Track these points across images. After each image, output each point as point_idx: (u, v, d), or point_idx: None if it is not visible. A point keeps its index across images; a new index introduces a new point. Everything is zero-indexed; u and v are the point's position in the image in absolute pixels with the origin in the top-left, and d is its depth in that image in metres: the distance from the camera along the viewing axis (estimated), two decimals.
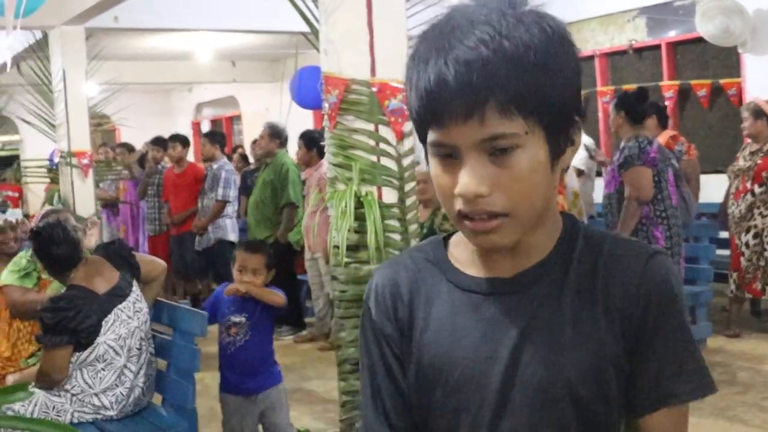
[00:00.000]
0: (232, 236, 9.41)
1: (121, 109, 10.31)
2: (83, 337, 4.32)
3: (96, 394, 4.41)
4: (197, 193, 9.60)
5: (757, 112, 7.30)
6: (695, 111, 10.43)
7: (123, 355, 4.45)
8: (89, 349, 4.36)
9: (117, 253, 4.68)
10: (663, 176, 6.24)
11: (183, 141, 10.07)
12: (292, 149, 9.46)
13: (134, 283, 4.61)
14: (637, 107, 6.36)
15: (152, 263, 4.97)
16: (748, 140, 7.49)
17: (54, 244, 4.49)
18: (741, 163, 7.35)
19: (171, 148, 9.88)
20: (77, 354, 4.36)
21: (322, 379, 6.96)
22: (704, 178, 8.51)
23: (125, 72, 13.22)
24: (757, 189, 7.22)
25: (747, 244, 7.28)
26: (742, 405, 5.66)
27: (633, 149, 6.17)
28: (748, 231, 7.28)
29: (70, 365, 4.36)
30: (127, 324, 4.45)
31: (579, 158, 7.34)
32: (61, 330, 4.28)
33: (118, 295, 4.47)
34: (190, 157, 10.19)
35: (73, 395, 4.39)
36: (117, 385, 4.45)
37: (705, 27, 8.14)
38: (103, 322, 4.37)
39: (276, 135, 8.68)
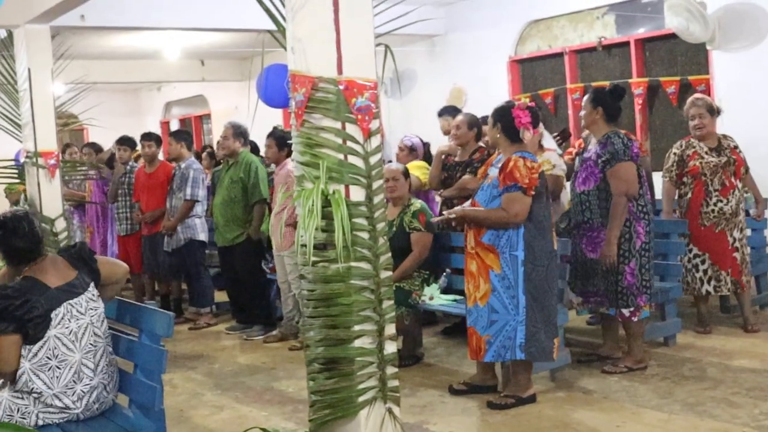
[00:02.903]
0: (202, 236, 9.36)
1: (88, 108, 10.21)
2: (31, 327, 4.32)
3: (56, 395, 4.38)
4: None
5: (712, 109, 7.32)
6: (664, 107, 10.48)
7: (76, 351, 4.43)
8: (40, 343, 4.35)
9: (78, 255, 4.65)
10: (640, 172, 6.34)
11: (157, 139, 10.01)
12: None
13: (91, 284, 4.58)
14: (613, 104, 6.44)
15: (114, 266, 4.92)
16: (694, 138, 7.35)
17: (17, 236, 4.50)
18: (712, 159, 7.31)
19: (146, 147, 9.80)
20: (29, 348, 4.35)
21: (292, 378, 6.92)
22: None
23: (93, 71, 13.11)
24: (739, 184, 7.28)
25: (738, 240, 7.30)
26: (712, 400, 5.67)
27: (618, 145, 6.24)
28: (737, 226, 7.30)
29: (21, 359, 4.34)
30: (77, 319, 4.44)
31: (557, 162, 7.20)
32: (7, 317, 4.29)
33: (71, 291, 4.47)
34: (160, 156, 10.09)
35: (35, 398, 4.36)
36: (75, 382, 4.43)
37: (672, 21, 8.17)
38: (53, 315, 4.37)
39: (240, 134, 8.67)
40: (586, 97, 6.53)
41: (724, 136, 7.37)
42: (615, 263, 6.20)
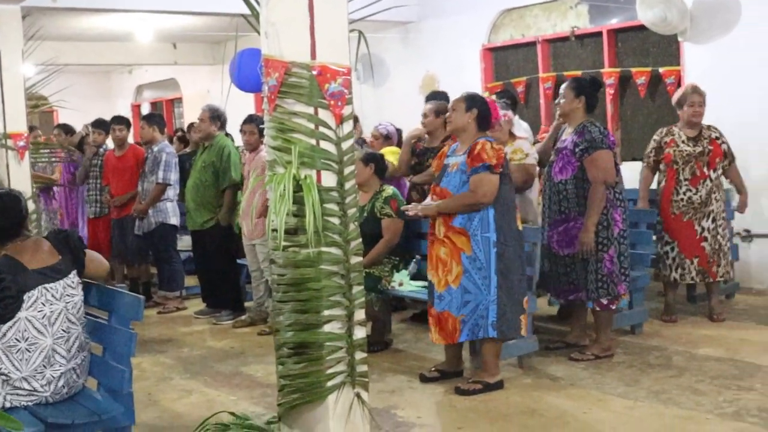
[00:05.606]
0: (174, 220, 9.34)
1: (59, 90, 10.13)
2: (1, 306, 4.30)
3: (25, 378, 4.36)
4: (139, 175, 9.50)
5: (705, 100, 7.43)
6: (635, 98, 10.53)
7: (48, 335, 4.41)
8: (9, 324, 4.33)
9: (64, 241, 4.61)
10: (616, 160, 6.43)
11: (127, 123, 9.99)
12: (233, 132, 9.39)
13: (73, 272, 4.55)
14: (594, 95, 6.51)
15: (100, 265, 4.85)
16: (676, 126, 7.54)
17: None
18: (687, 148, 7.38)
19: (117, 131, 9.76)
20: None
21: (261, 363, 6.93)
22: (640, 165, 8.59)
23: (64, 53, 12.97)
24: (713, 174, 7.34)
25: (708, 230, 7.36)
26: (677, 388, 5.74)
27: (595, 133, 6.31)
28: (708, 216, 7.36)
29: None
30: (51, 304, 4.42)
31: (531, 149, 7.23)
32: None
33: (49, 275, 4.44)
34: (130, 139, 10.04)
35: (3, 380, 4.33)
36: (45, 367, 4.41)
37: (645, 14, 8.21)
38: (26, 297, 4.35)
39: (216, 117, 8.64)
40: (565, 86, 6.54)
41: (708, 127, 7.45)
42: (593, 251, 6.26)
